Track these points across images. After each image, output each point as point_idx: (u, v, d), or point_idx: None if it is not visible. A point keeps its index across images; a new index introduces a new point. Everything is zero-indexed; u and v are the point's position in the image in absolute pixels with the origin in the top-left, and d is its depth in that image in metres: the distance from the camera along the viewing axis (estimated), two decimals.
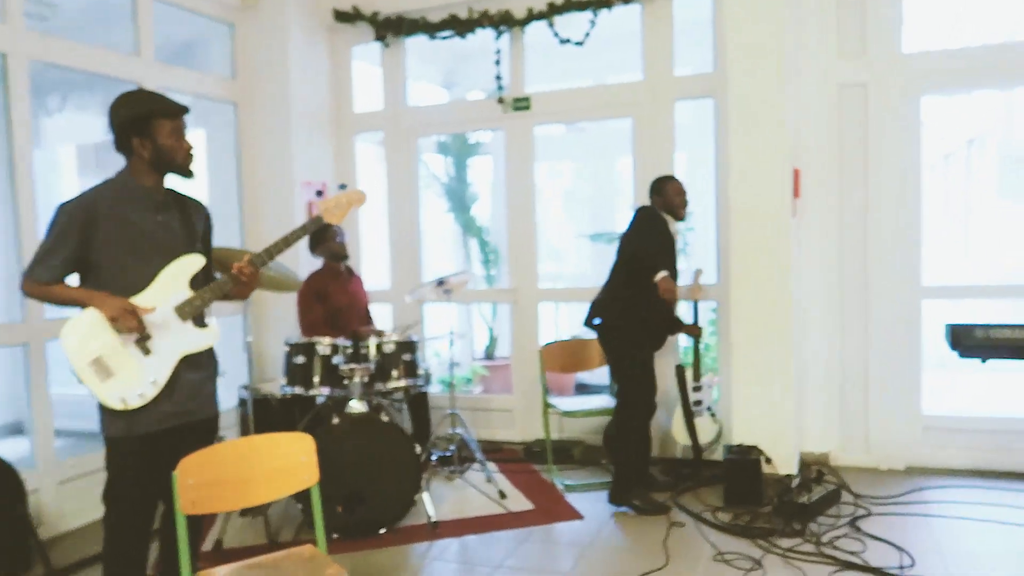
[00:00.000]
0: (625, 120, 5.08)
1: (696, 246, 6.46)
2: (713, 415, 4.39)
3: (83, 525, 3.95)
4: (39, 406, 3.86)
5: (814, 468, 4.03)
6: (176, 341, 2.52)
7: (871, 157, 4.40)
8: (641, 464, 3.97)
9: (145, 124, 2.49)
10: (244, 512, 3.95)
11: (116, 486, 2.52)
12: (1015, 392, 5.41)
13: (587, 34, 4.98)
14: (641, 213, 4.01)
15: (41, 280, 2.44)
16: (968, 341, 2.95)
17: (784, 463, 4.12)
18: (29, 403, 3.85)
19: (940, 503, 3.79)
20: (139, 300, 2.46)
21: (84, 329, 2.43)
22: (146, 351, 2.47)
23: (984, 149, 7.82)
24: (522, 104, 5.26)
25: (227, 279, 2.58)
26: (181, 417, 2.55)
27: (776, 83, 4.20)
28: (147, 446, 2.49)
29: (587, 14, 5.00)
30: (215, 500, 2.39)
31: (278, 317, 5.01)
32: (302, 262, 4.91)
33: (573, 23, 5.04)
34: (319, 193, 3.04)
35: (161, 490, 2.51)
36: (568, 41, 5.04)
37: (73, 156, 6.19)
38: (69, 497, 3.94)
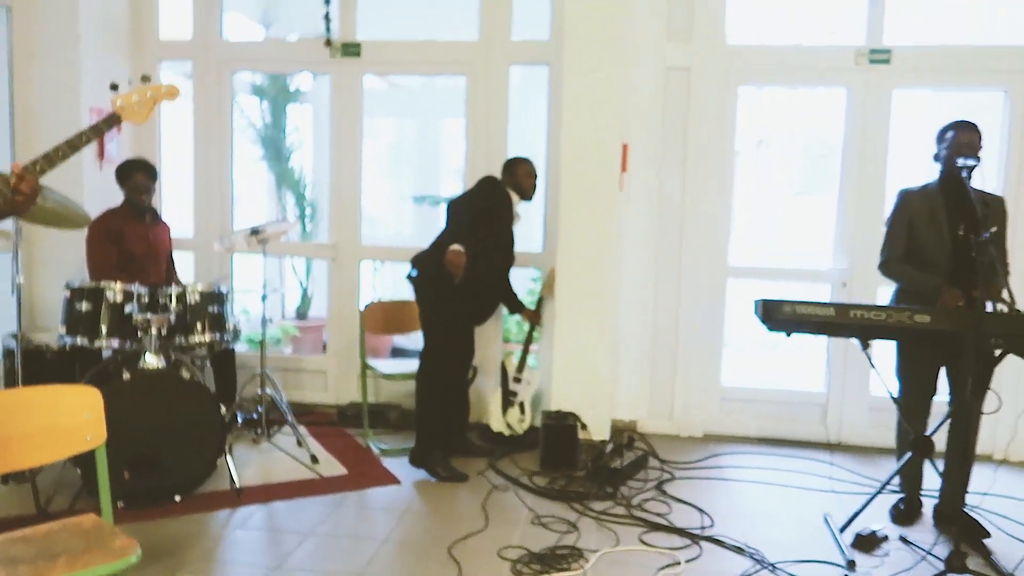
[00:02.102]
0: (458, 79, 4.95)
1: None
2: (523, 411, 4.38)
3: None
4: None
5: (625, 434, 4.18)
6: None
7: (690, 140, 4.59)
8: (438, 426, 3.89)
9: None
10: (6, 478, 3.42)
11: None
12: (800, 369, 5.97)
13: None
14: (483, 181, 4.01)
15: None
16: (776, 315, 3.13)
17: (598, 430, 4.24)
18: None
19: (735, 468, 4.08)
20: None
21: None
22: None
23: (789, 142, 8.55)
24: (352, 50, 4.96)
25: None
26: None
27: (610, 57, 4.26)
28: None
29: None
30: None
31: (56, 258, 4.38)
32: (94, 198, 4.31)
33: None
34: (114, 87, 2.58)
35: None
36: None
37: None
38: None
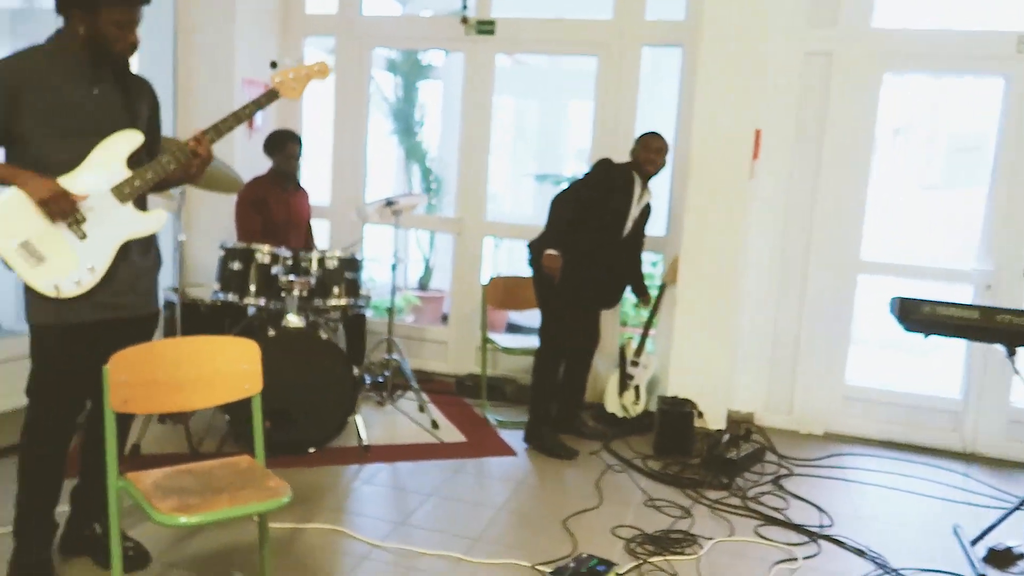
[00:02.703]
0: (590, 59, 4.95)
1: None
2: (638, 395, 4.38)
3: None
4: None
5: (742, 426, 4.13)
6: (115, 225, 2.28)
7: (827, 128, 4.42)
8: (550, 405, 3.97)
9: (91, 5, 2.19)
10: (163, 418, 3.75)
11: (40, 378, 2.30)
12: (932, 373, 5.69)
13: None
14: (594, 165, 4.01)
15: None
16: (914, 315, 3.02)
17: (713, 419, 4.20)
18: None
19: (857, 469, 3.95)
20: (70, 180, 2.20)
21: (8, 211, 2.16)
22: (81, 235, 2.23)
23: (930, 133, 8.08)
24: (486, 28, 5.03)
25: (171, 158, 2.34)
26: (117, 310, 2.33)
27: (748, 40, 4.15)
28: (77, 337, 2.27)
29: None
30: (149, 400, 2.22)
31: (211, 219, 4.70)
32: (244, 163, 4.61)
33: None
34: (273, 65, 2.78)
35: (89, 387, 2.30)
36: None
37: None
38: None
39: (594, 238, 3.87)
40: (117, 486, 2.12)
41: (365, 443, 3.63)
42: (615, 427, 4.27)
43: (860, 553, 2.97)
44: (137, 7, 2.24)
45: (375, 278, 6.27)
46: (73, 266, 2.22)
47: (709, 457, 3.70)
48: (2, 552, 2.43)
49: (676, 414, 3.95)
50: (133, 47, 2.29)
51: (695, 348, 4.26)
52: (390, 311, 4.34)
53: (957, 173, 7.97)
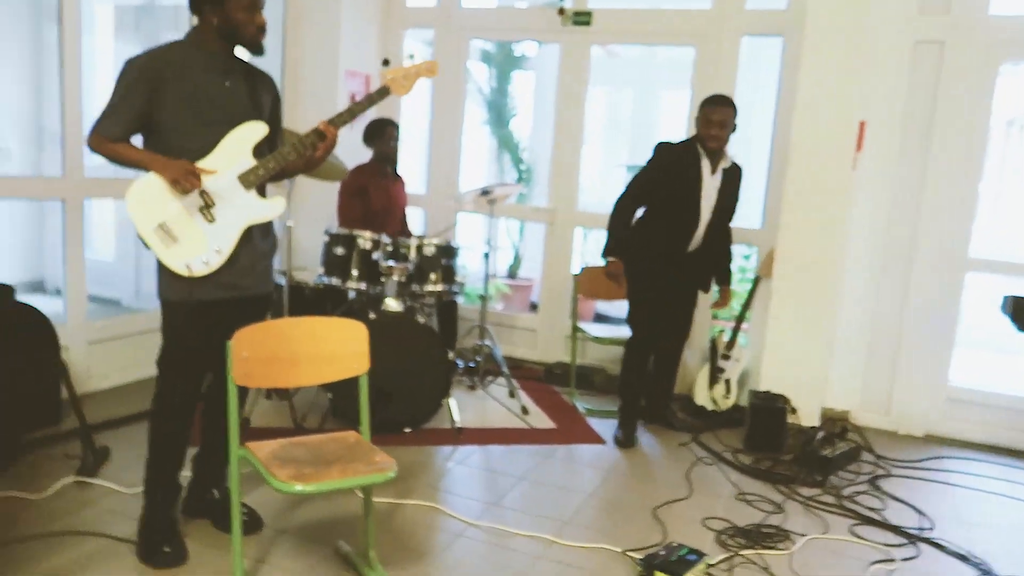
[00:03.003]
0: (686, 49, 4.90)
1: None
2: (729, 389, 4.34)
3: (112, 387, 3.97)
4: (74, 263, 3.81)
5: (838, 423, 4.04)
6: (240, 211, 2.45)
7: (937, 120, 4.25)
8: (637, 395, 3.96)
9: None
10: (269, 394, 3.97)
11: (170, 351, 2.49)
12: None
13: None
14: (654, 150, 3.87)
15: (108, 135, 2.35)
16: None
17: (807, 415, 4.13)
18: (65, 260, 3.79)
19: (960, 473, 3.81)
20: (202, 164, 2.37)
21: (148, 194, 2.35)
22: (210, 219, 2.40)
23: None
24: (583, 19, 5.05)
25: (292, 148, 2.48)
26: (238, 289, 2.50)
27: (854, 29, 4.02)
28: (203, 314, 2.44)
29: None
30: (266, 375, 2.37)
31: (316, 206, 4.90)
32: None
33: None
34: (386, 63, 2.93)
35: (210, 361, 2.48)
36: None
37: (111, 16, 5.95)
38: (98, 358, 3.94)
39: (667, 227, 3.79)
40: (238, 454, 2.28)
41: (458, 425, 3.74)
42: (704, 420, 4.25)
43: (963, 558, 2.88)
44: None
45: (466, 265, 6.39)
46: (203, 248, 2.39)
47: (802, 454, 3.65)
48: (133, 510, 2.64)
49: (768, 409, 3.90)
50: (261, 29, 2.44)
51: (789, 343, 4.18)
52: (483, 298, 4.44)
53: None
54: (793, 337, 4.18)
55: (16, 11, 5.49)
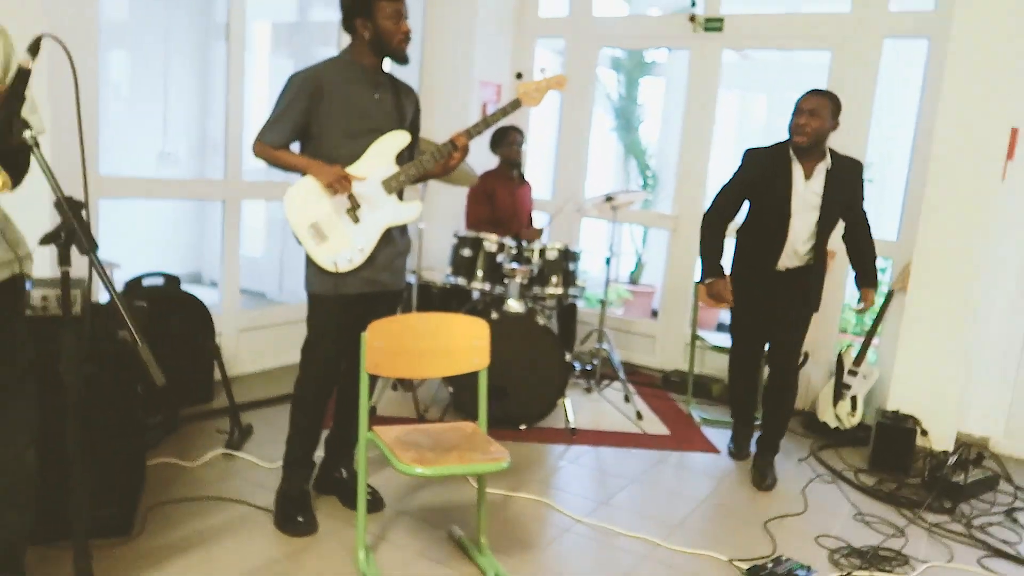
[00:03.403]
0: (822, 53, 4.76)
1: (875, 200, 6.07)
2: (854, 406, 4.18)
3: (257, 371, 4.35)
4: (230, 257, 4.20)
5: (974, 450, 3.82)
6: (381, 213, 2.66)
7: None
8: (741, 406, 3.81)
9: (367, 5, 2.57)
10: (395, 386, 4.21)
11: (314, 340, 2.72)
12: None
13: None
14: (742, 158, 3.57)
15: (271, 143, 2.61)
16: None
17: (939, 439, 3.92)
18: (223, 255, 4.19)
19: None
20: (351, 170, 2.60)
21: (303, 196, 2.60)
22: (355, 220, 2.62)
23: None
24: (714, 25, 5.02)
25: (430, 156, 2.67)
26: (376, 285, 2.71)
27: (1007, 29, 3.79)
28: (345, 307, 2.66)
29: None
30: (396, 365, 2.55)
31: (445, 210, 5.14)
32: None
33: None
34: (519, 76, 3.13)
35: (346, 350, 2.70)
36: None
37: (268, 33, 6.47)
38: (247, 345, 4.32)
39: (755, 242, 3.48)
40: (366, 437, 2.47)
41: (572, 426, 3.84)
42: (827, 437, 4.12)
43: None
44: None
45: (587, 270, 6.48)
46: (348, 246, 2.62)
47: (931, 478, 3.48)
48: (272, 482, 2.91)
49: (896, 429, 3.74)
50: (407, 37, 2.64)
51: (923, 361, 3.99)
52: (603, 303, 4.50)
53: None
54: (927, 355, 3.98)
55: (187, 31, 6.07)
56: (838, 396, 4.23)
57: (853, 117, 4.51)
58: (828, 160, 3.34)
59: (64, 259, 1.46)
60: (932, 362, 3.97)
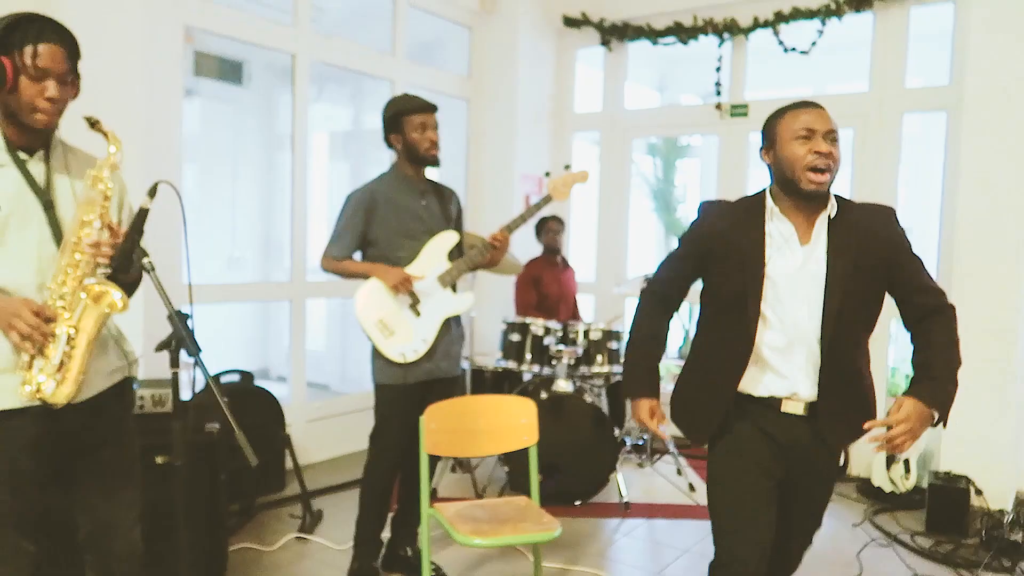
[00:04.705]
0: (845, 131, 5.00)
1: None
2: (908, 469, 4.21)
3: (324, 459, 4.60)
4: (297, 353, 4.53)
5: None
6: (439, 306, 2.95)
7: None
8: None
9: (397, 122, 2.93)
10: (455, 468, 4.41)
11: (382, 427, 2.97)
12: None
13: (813, 43, 4.95)
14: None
15: (336, 257, 2.94)
16: None
17: (996, 498, 3.92)
18: (291, 351, 4.53)
19: None
20: (410, 270, 2.90)
21: (370, 296, 2.91)
22: (417, 314, 2.92)
23: None
24: (740, 111, 5.32)
25: (478, 251, 2.97)
26: (437, 373, 2.97)
27: (1020, 99, 3.99)
28: (409, 394, 2.91)
29: (815, 23, 4.97)
30: (451, 445, 2.78)
31: (495, 298, 5.43)
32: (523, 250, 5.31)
33: (798, 31, 5.03)
34: (547, 174, 3.48)
35: (409, 434, 2.94)
36: (793, 50, 5.04)
37: (325, 143, 7.02)
38: (314, 435, 4.60)
39: (722, 338, 2.05)
40: (428, 513, 2.67)
41: (625, 499, 3.96)
42: (882, 501, 4.14)
43: None
44: (428, 112, 2.93)
45: None
46: (412, 338, 2.91)
47: (988, 538, 3.49)
48: (342, 563, 3.11)
49: (950, 490, 3.77)
50: (434, 144, 2.96)
51: (972, 420, 4.02)
52: None
53: None
54: (975, 414, 4.02)
55: (256, 142, 6.64)
56: (891, 459, 4.26)
57: (880, 190, 4.71)
58: (832, 206, 1.99)
59: (175, 362, 1.75)
60: (981, 420, 4.01)
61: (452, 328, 3.02)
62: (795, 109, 2.01)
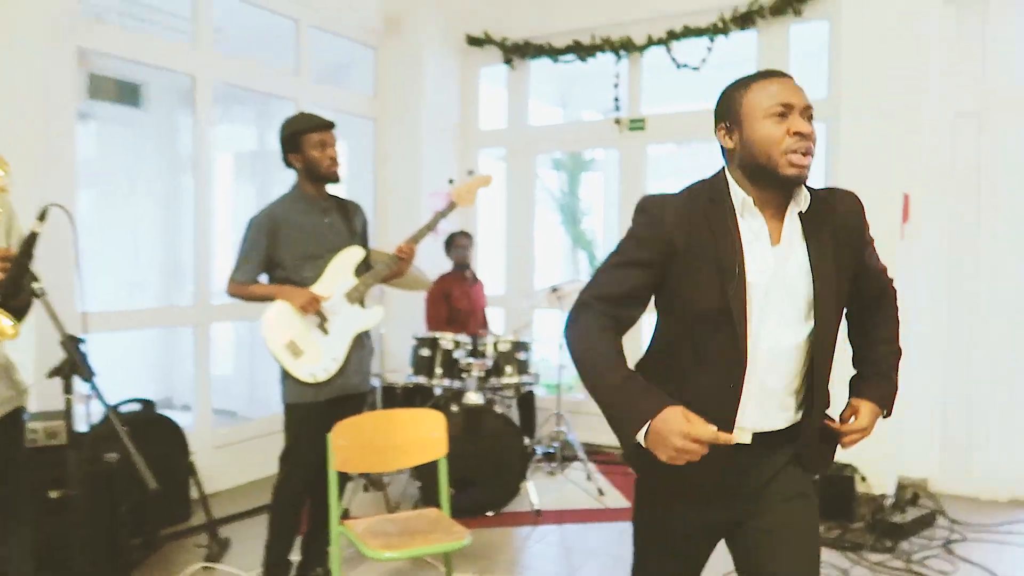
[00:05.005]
0: None
1: None
2: None
3: (232, 487, 4.50)
4: (202, 379, 4.43)
5: (910, 490, 4.10)
6: (348, 322, 2.97)
7: (983, 186, 4.43)
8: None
9: (295, 141, 2.95)
10: (367, 487, 4.39)
11: (293, 447, 2.95)
12: None
13: (703, 60, 5.22)
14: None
15: (241, 282, 2.93)
16: None
17: (879, 484, 4.20)
18: (195, 377, 4.42)
19: None
20: (317, 289, 2.91)
21: (277, 318, 2.90)
22: (325, 332, 2.92)
23: None
24: (637, 125, 5.54)
25: (384, 264, 3.00)
26: (347, 389, 2.98)
27: (891, 110, 4.31)
28: (320, 413, 2.91)
29: (704, 40, 5.24)
30: (361, 461, 2.80)
31: (404, 314, 5.45)
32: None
33: (689, 48, 5.29)
34: (450, 181, 3.56)
35: (318, 452, 2.93)
36: (684, 66, 5.29)
37: (231, 164, 6.90)
38: (220, 462, 4.49)
39: (700, 364, 1.72)
40: (338, 531, 2.68)
41: (536, 507, 4.04)
42: None
43: None
44: (326, 129, 2.96)
45: (548, 358, 6.77)
46: (323, 357, 2.91)
47: (872, 520, 3.74)
48: None
49: (837, 478, 4.01)
50: (335, 161, 2.99)
51: None
52: (558, 387, 4.79)
53: None
54: None
55: (157, 165, 6.45)
56: None
57: None
58: (805, 198, 1.69)
59: (68, 388, 1.72)
60: None
61: (363, 343, 3.04)
62: (763, 80, 1.67)
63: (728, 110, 1.70)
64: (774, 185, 1.66)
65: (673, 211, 1.69)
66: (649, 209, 1.71)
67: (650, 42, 5.40)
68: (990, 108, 4.40)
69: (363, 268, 3.06)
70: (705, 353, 1.69)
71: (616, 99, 5.56)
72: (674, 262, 1.67)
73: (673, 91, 6.20)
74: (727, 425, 1.64)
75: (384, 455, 2.82)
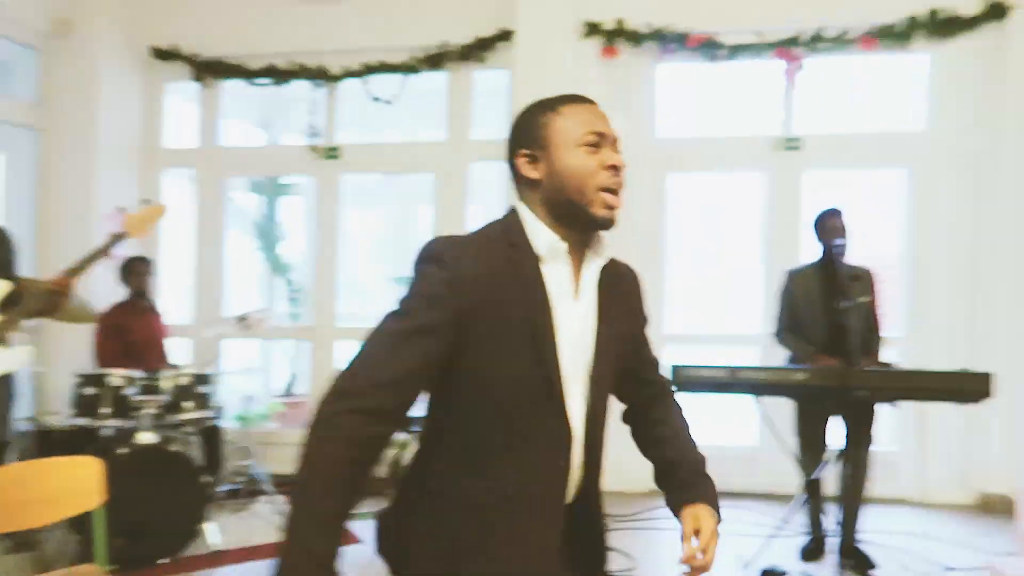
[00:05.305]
0: (427, 175, 5.58)
1: None
2: None
3: None
4: None
5: None
6: None
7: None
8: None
9: None
10: (16, 548, 3.89)
11: None
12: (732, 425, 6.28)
13: (396, 95, 5.45)
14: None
15: None
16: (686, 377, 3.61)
17: None
18: None
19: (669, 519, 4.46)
20: None
21: None
22: None
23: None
24: (332, 153, 5.61)
25: (35, 299, 2.71)
26: None
27: None
28: None
29: (398, 76, 5.47)
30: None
31: (70, 349, 4.92)
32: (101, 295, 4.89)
33: (385, 82, 5.49)
34: (122, 209, 3.34)
35: None
36: (379, 99, 5.48)
37: None
38: None
39: (506, 451, 1.46)
40: None
41: (216, 548, 3.87)
42: None
43: None
44: None
45: (239, 389, 6.52)
46: None
47: None
48: None
49: None
50: None
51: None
52: (243, 419, 4.65)
53: None
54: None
55: None
56: None
57: (456, 226, 5.33)
58: (604, 248, 1.52)
59: None
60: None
61: (6, 386, 2.72)
62: (572, 104, 1.48)
63: (531, 136, 1.47)
64: (581, 227, 1.45)
65: (471, 260, 1.39)
66: (442, 257, 1.39)
67: (347, 73, 5.52)
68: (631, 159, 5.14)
69: (10, 303, 2.75)
70: (522, 429, 1.42)
71: (312, 126, 5.58)
72: (476, 324, 1.37)
73: (372, 121, 6.37)
74: (558, 507, 1.46)
75: (26, 510, 2.53)
